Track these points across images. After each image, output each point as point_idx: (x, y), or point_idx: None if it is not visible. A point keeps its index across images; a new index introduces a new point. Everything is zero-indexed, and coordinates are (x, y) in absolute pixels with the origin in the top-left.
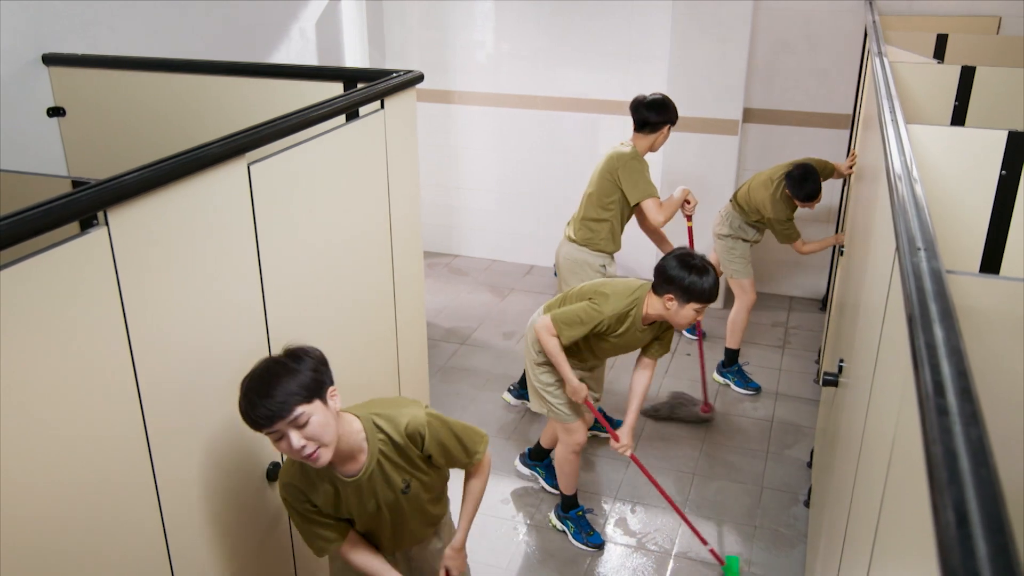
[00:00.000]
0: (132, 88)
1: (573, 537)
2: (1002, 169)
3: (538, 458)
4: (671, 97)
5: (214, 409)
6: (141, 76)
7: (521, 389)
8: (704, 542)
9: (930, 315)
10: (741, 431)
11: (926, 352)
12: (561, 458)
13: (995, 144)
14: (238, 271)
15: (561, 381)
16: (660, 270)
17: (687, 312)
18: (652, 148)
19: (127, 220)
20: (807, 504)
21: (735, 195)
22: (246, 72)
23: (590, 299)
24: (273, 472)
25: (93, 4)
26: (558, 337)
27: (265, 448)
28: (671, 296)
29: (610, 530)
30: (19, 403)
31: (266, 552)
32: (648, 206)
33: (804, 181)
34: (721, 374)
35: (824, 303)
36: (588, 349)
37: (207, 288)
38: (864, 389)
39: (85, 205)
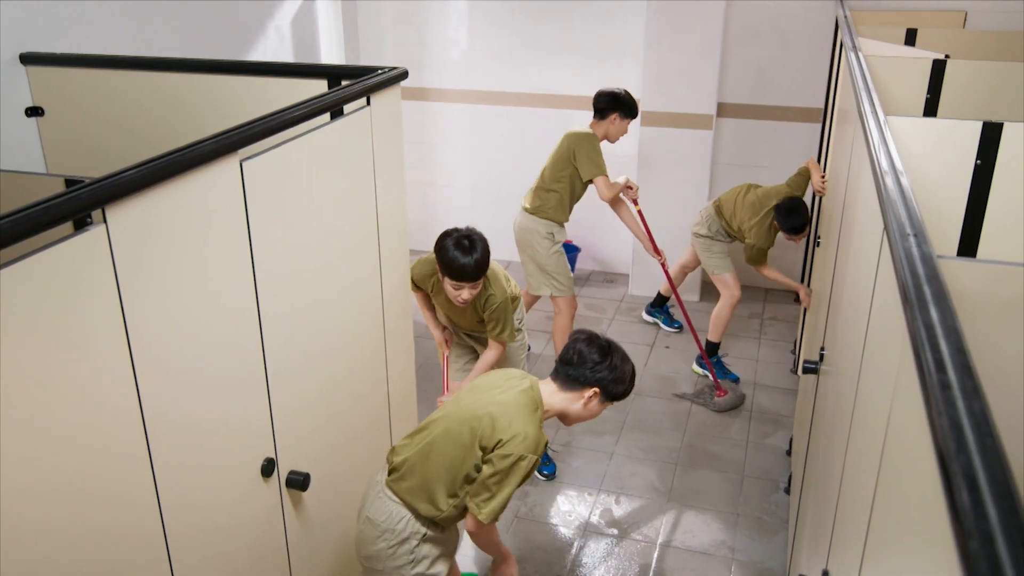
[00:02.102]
0: (111, 87)
1: None
2: (977, 159)
3: None
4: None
5: (210, 406)
6: (120, 75)
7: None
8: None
9: (925, 297)
10: (721, 421)
11: (925, 332)
12: None
13: (970, 134)
14: (232, 268)
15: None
16: (436, 249)
17: (447, 286)
18: (608, 136)
19: (125, 217)
20: (787, 491)
21: (720, 202)
22: (226, 70)
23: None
24: (268, 468)
25: (70, 4)
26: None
27: (260, 444)
28: (438, 268)
29: (595, 520)
30: (20, 403)
31: (263, 548)
32: (598, 183)
33: (791, 214)
34: (700, 365)
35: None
36: (435, 303)
37: (203, 285)
38: (851, 374)
39: (85, 202)
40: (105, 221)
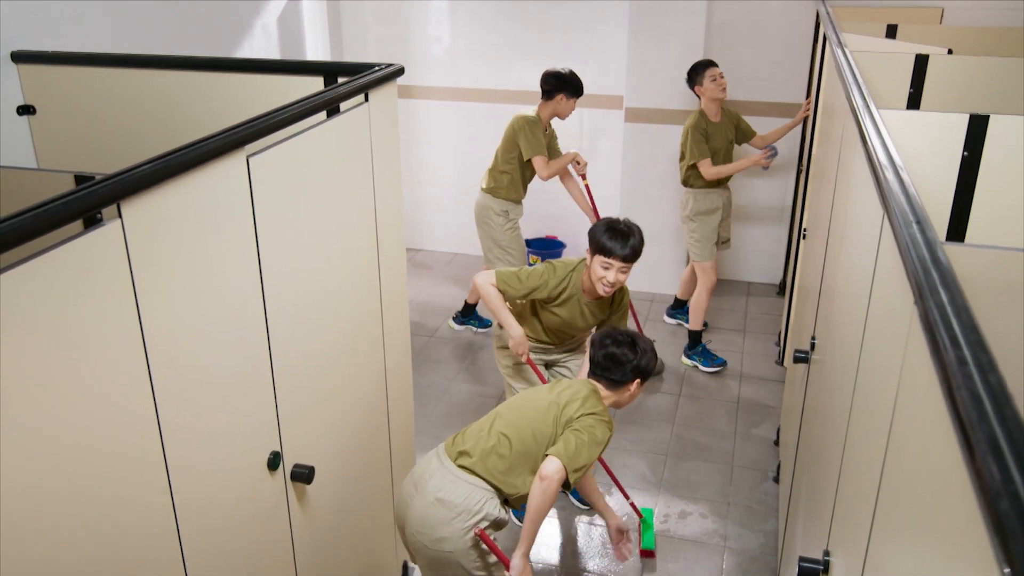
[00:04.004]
0: (103, 85)
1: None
2: (964, 150)
3: None
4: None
5: (219, 402)
6: (112, 73)
7: (463, 317)
8: (626, 496)
9: (934, 279)
10: (709, 412)
11: (937, 312)
12: None
13: (957, 127)
14: (239, 263)
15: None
16: (589, 233)
17: (595, 267)
18: (558, 115)
19: (139, 213)
20: (776, 480)
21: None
22: (220, 67)
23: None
24: (274, 461)
25: (60, 3)
26: (496, 287)
27: (266, 438)
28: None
29: (588, 512)
30: (36, 401)
31: (268, 540)
32: (535, 162)
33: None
34: (688, 356)
35: (781, 287)
36: (538, 320)
37: (212, 281)
38: (851, 358)
39: (103, 198)
40: (120, 217)
